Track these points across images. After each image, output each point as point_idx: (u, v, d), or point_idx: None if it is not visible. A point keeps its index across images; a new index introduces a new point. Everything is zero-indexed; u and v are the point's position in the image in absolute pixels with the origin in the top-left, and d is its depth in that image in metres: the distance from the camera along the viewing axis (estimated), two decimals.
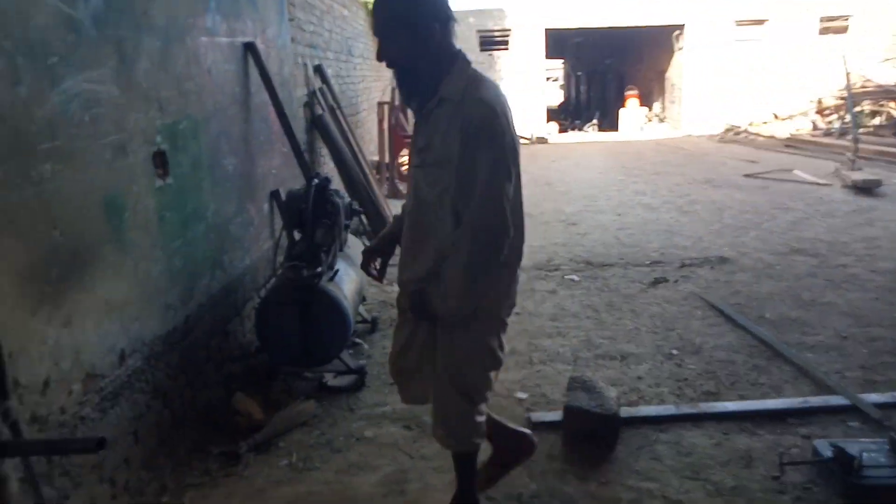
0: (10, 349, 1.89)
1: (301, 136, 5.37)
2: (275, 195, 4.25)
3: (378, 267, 2.25)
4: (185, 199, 3.04)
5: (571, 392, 2.88)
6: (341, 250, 3.49)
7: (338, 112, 6.06)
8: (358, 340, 3.85)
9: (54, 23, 2.17)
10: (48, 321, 2.07)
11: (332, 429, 2.97)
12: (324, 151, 5.98)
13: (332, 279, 3.24)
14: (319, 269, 3.17)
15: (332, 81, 6.58)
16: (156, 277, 2.70)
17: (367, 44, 9.64)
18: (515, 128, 1.91)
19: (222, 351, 3.36)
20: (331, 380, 3.37)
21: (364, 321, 4.01)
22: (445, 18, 1.83)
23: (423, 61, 1.83)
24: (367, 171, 6.23)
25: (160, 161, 2.83)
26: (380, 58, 1.85)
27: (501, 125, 1.81)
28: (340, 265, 3.46)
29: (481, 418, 2.10)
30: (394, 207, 7.44)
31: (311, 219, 3.34)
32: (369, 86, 9.68)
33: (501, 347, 2.09)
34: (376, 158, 8.42)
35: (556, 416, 2.93)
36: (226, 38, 3.74)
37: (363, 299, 4.25)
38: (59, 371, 2.10)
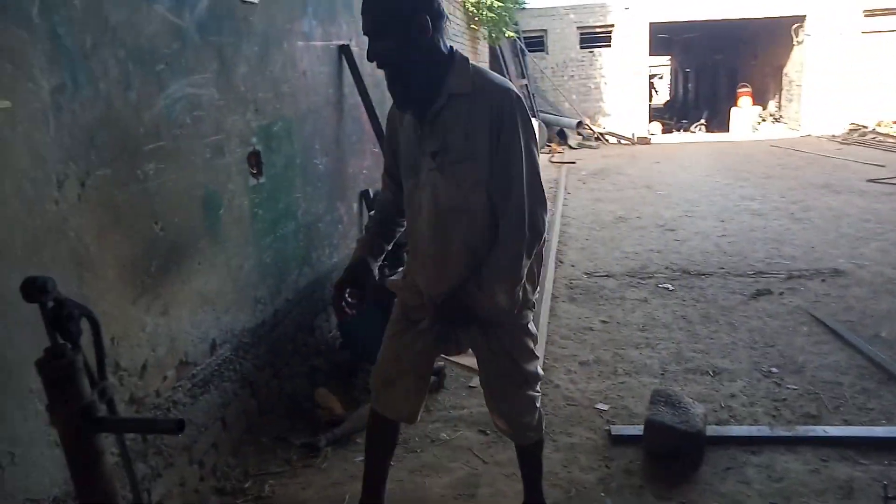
0: (113, 335, 2.04)
1: None
2: (364, 195, 4.35)
3: (352, 301, 1.96)
4: (277, 198, 3.17)
5: (654, 406, 2.76)
6: None
7: None
8: None
9: (162, 32, 2.32)
10: (147, 310, 2.22)
11: (408, 429, 3.00)
12: None
13: None
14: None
15: None
16: (247, 272, 2.83)
17: (463, 42, 9.69)
18: None
19: (308, 345, 3.48)
20: None
21: None
22: (437, 14, 1.73)
23: (419, 59, 1.71)
24: None
25: (255, 161, 2.97)
26: (371, 57, 1.72)
27: (525, 109, 1.79)
28: None
29: (540, 408, 2.13)
30: None
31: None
32: None
33: (537, 338, 2.12)
34: None
35: (637, 430, 2.82)
36: (321, 41, 3.87)
37: None
38: (156, 357, 2.25)
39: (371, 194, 4.32)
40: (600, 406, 3.16)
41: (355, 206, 4.32)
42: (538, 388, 2.09)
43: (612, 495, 2.48)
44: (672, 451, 2.63)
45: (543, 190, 1.83)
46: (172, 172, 2.36)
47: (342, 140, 4.22)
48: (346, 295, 1.95)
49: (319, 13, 3.77)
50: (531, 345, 2.03)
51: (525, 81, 14.46)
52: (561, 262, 5.56)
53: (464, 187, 1.78)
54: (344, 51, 4.24)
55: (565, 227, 6.72)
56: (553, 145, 13.19)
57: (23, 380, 1.69)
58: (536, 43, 15.97)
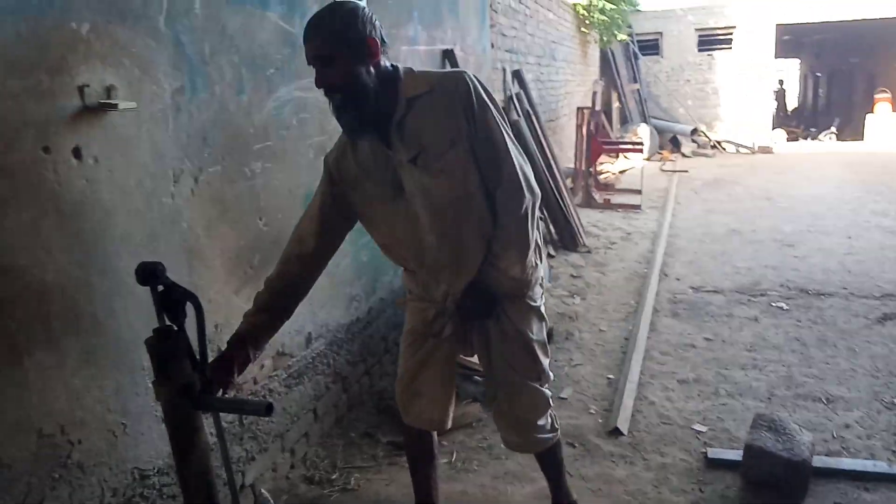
0: (217, 321, 2.18)
1: None
2: None
3: (232, 377, 1.77)
4: None
5: (755, 430, 2.59)
6: None
7: (533, 118, 6.07)
8: None
9: (274, 38, 2.45)
10: (248, 300, 2.32)
11: (494, 435, 2.98)
12: None
13: None
14: None
15: (531, 86, 6.62)
16: (343, 270, 2.93)
17: (571, 47, 9.55)
18: None
19: (399, 345, 3.55)
20: None
21: None
22: (382, 38, 1.72)
23: (368, 82, 1.67)
24: (560, 178, 6.17)
25: None
26: (320, 84, 1.68)
27: (481, 82, 1.79)
28: None
29: (551, 407, 2.09)
30: (587, 216, 7.29)
31: None
32: (572, 91, 9.58)
33: (547, 323, 2.07)
34: (572, 166, 8.30)
35: (736, 454, 2.66)
36: (425, 46, 3.94)
37: None
38: None
39: None
40: (697, 427, 3.01)
41: None
42: (547, 387, 2.07)
43: None
44: (773, 479, 2.45)
45: (520, 150, 1.84)
46: (277, 171, 2.48)
47: None
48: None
49: (425, 19, 3.84)
50: (543, 332, 2.00)
51: (637, 86, 14.04)
52: (665, 275, 5.35)
53: (457, 176, 1.76)
54: (447, 55, 4.31)
55: (673, 239, 6.45)
56: (664, 153, 12.70)
57: (135, 357, 1.83)
58: (650, 46, 15.45)
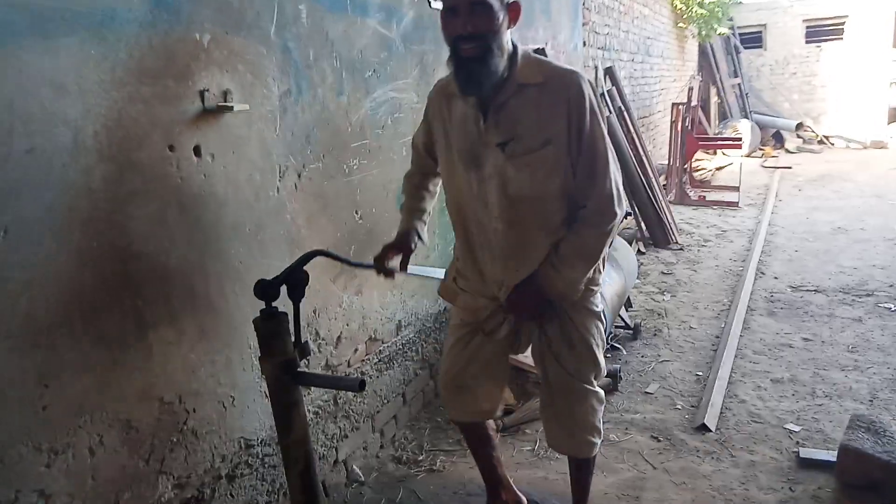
0: (315, 306, 2.35)
1: None
2: None
3: (394, 263, 2.03)
4: None
5: (852, 431, 2.50)
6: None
7: (625, 114, 6.00)
8: (617, 345, 3.82)
9: (372, 43, 2.60)
10: (344, 288, 2.51)
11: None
12: None
13: None
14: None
15: (624, 83, 6.53)
16: (433, 261, 3.05)
17: (668, 42, 9.31)
18: None
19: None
20: None
21: (626, 327, 3.96)
22: (519, 10, 1.75)
23: (502, 45, 1.68)
24: (652, 174, 6.06)
25: None
26: (462, 28, 1.64)
27: (594, 89, 1.77)
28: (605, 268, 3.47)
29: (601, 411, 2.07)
30: (680, 213, 7.10)
31: None
32: (667, 86, 9.34)
33: (606, 328, 2.12)
34: (665, 162, 8.10)
35: (830, 455, 2.57)
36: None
37: (628, 305, 4.19)
38: (349, 331, 2.54)
39: None
40: (790, 427, 2.92)
41: None
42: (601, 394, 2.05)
43: None
44: (870, 482, 2.36)
45: (619, 173, 1.84)
46: (373, 168, 2.63)
47: None
48: (390, 258, 2.01)
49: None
50: (603, 336, 2.00)
51: (737, 80, 13.47)
52: (762, 273, 5.15)
53: (538, 175, 1.75)
54: (539, 54, 4.35)
55: (772, 237, 6.19)
56: (767, 149, 12.11)
57: (243, 336, 2.02)
58: (753, 39, 14.75)
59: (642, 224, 5.94)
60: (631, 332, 3.95)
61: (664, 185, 7.82)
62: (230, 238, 1.99)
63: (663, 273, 5.26)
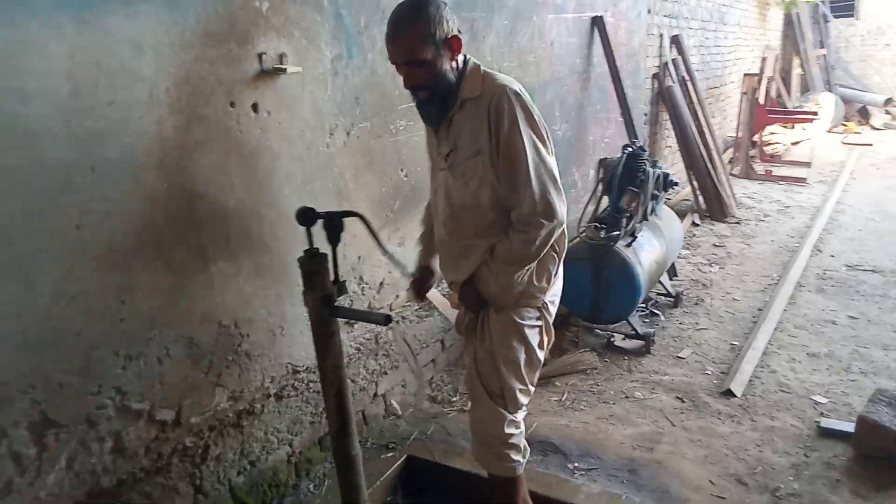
0: (360, 254, 2.58)
1: (641, 107, 5.46)
2: (602, 162, 4.48)
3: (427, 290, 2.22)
4: None
5: (873, 404, 2.55)
6: (646, 219, 3.58)
7: (689, 84, 5.92)
8: (656, 311, 3.91)
9: None
10: (388, 239, 2.72)
11: (606, 382, 3.18)
12: (669, 124, 5.95)
13: (629, 245, 3.38)
14: (616, 233, 3.34)
15: (692, 52, 6.42)
16: None
17: (746, 9, 8.95)
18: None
19: None
20: (619, 340, 3.55)
21: (667, 295, 4.03)
22: (457, 28, 1.78)
23: (451, 77, 1.77)
24: (714, 146, 5.98)
25: None
26: (408, 84, 1.77)
27: (525, 101, 1.77)
28: (644, 234, 3.56)
29: (517, 434, 1.98)
30: (744, 188, 6.97)
31: (619, 185, 3.51)
32: (743, 56, 9.02)
33: (541, 345, 1.99)
34: (734, 135, 7.90)
35: (849, 426, 2.63)
36: (573, 13, 4.07)
37: (673, 273, 4.25)
38: (392, 278, 2.76)
39: (607, 162, 4.44)
40: (817, 398, 2.97)
41: (592, 172, 4.49)
42: (518, 415, 1.98)
43: (802, 480, 2.40)
44: (886, 454, 2.42)
45: (555, 177, 1.82)
46: (418, 129, 2.81)
47: (585, 107, 4.41)
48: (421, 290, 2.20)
49: None
50: (519, 355, 1.92)
51: (823, 51, 12.79)
52: (819, 250, 5.06)
53: (471, 184, 1.83)
54: (596, 22, 4.39)
55: (837, 215, 6.02)
56: (849, 125, 11.52)
57: (292, 274, 2.26)
58: (844, 7, 13.90)
59: (699, 196, 5.90)
60: (672, 299, 4.02)
61: (731, 159, 7.66)
62: (283, 187, 2.22)
63: (715, 245, 5.24)
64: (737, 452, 2.59)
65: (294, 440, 2.42)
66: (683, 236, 4.44)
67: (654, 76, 5.66)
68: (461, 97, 1.80)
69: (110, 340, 1.75)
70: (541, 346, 1.99)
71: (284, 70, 2.12)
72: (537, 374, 2.04)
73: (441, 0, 1.75)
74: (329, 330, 1.99)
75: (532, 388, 2.02)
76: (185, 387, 1.97)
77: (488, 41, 3.23)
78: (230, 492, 2.19)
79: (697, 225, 5.70)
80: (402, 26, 1.72)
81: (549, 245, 1.85)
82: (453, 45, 1.76)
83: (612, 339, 3.57)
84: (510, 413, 1.96)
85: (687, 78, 5.95)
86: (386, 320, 1.86)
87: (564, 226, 1.89)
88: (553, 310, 2.01)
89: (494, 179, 1.81)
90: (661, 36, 5.76)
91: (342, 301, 1.97)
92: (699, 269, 4.68)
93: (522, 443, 2.02)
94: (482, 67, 1.85)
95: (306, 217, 1.90)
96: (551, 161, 1.84)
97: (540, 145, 1.79)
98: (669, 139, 6.21)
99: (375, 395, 2.78)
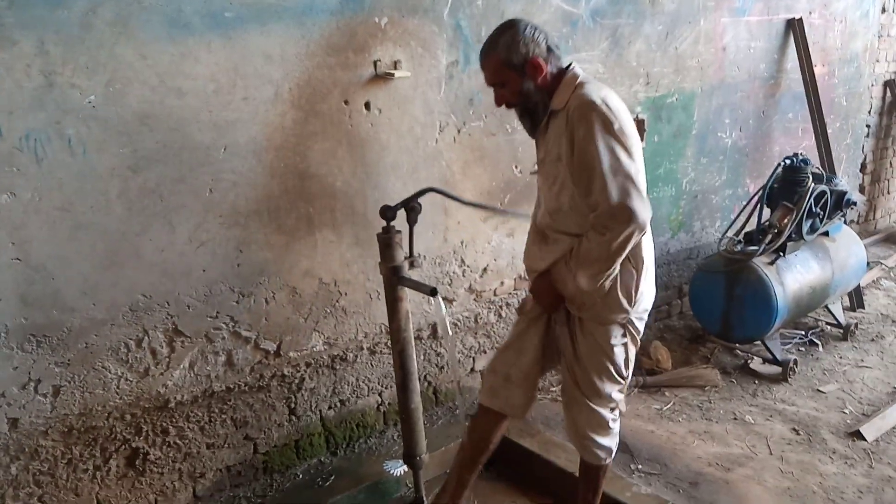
0: (463, 238, 2.87)
1: (862, 117, 4.83)
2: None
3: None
4: (655, 163, 3.48)
5: None
6: (801, 238, 3.25)
7: None
8: (816, 340, 3.53)
9: (553, 18, 2.94)
10: (495, 229, 2.97)
11: (720, 401, 3.02)
12: None
13: (772, 262, 3.14)
14: (753, 248, 3.13)
15: None
16: None
17: None
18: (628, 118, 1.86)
19: (670, 305, 3.72)
20: (755, 364, 3.31)
21: (837, 324, 3.60)
22: (547, 49, 1.89)
23: (536, 96, 1.92)
24: None
25: (639, 127, 3.35)
26: (498, 103, 1.97)
27: (603, 112, 1.75)
28: (801, 254, 3.27)
29: (611, 433, 2.07)
30: None
31: (772, 199, 3.26)
32: None
33: (626, 362, 2.00)
34: None
35: None
36: (757, 16, 3.84)
37: (858, 304, 3.78)
38: (496, 265, 3.01)
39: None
40: None
41: None
42: (614, 412, 2.06)
43: None
44: None
45: (636, 182, 1.80)
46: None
47: (770, 116, 4.11)
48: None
49: None
50: (620, 359, 1.98)
51: None
52: None
53: (554, 188, 1.95)
54: (792, 25, 4.06)
55: None
56: None
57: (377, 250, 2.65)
58: None
59: None
60: (842, 330, 3.59)
61: None
62: (388, 174, 2.61)
63: None
64: (829, 493, 2.35)
65: (384, 392, 2.81)
66: (868, 264, 3.89)
67: (887, 83, 4.94)
68: (550, 108, 1.94)
69: (228, 279, 2.31)
70: (626, 363, 2.04)
71: (392, 75, 2.50)
72: (627, 382, 2.10)
73: (524, 24, 1.92)
74: (396, 295, 2.34)
75: (622, 395, 2.09)
76: (286, 326, 2.47)
77: (634, 47, 3.27)
78: (321, 421, 2.66)
79: None
80: (483, 53, 1.96)
81: (627, 249, 1.85)
82: (533, 67, 1.90)
83: (748, 361, 3.35)
84: (606, 411, 2.07)
85: None
86: (432, 292, 2.15)
87: (649, 233, 1.95)
88: (640, 326, 2.06)
89: (572, 184, 1.91)
90: None
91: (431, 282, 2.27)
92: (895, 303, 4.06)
93: (615, 441, 2.13)
94: (580, 77, 1.93)
95: (387, 213, 2.27)
96: (634, 167, 1.85)
97: (620, 150, 1.81)
98: None
99: (472, 369, 3.05)
